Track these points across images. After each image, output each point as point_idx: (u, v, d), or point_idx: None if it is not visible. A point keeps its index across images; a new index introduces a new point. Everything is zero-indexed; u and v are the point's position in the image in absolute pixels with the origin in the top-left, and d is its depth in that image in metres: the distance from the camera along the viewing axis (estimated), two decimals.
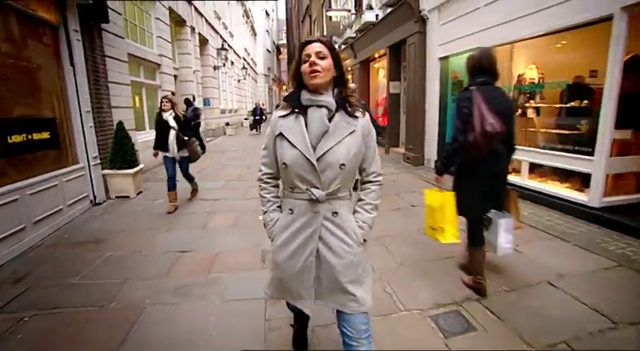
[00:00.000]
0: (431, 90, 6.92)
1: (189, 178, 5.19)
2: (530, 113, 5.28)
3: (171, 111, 4.58)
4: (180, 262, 3.19)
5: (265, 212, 1.53)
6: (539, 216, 4.03)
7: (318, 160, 1.31)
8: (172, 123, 4.54)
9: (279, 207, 1.53)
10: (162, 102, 4.64)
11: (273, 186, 1.54)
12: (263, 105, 18.53)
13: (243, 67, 22.86)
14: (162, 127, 4.57)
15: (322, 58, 1.33)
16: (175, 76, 10.26)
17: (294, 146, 1.33)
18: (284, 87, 43.51)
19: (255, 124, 17.48)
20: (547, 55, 5.00)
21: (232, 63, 19.35)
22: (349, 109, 1.38)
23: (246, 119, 20.80)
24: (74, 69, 4.62)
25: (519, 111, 5.31)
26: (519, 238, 3.42)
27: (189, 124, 4.90)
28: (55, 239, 3.78)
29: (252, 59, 28.99)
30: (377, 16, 9.20)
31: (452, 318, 2.23)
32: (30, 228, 3.58)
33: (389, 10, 8.30)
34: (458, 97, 2.42)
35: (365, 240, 1.46)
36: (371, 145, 1.45)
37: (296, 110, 1.38)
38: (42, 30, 4.16)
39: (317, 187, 1.34)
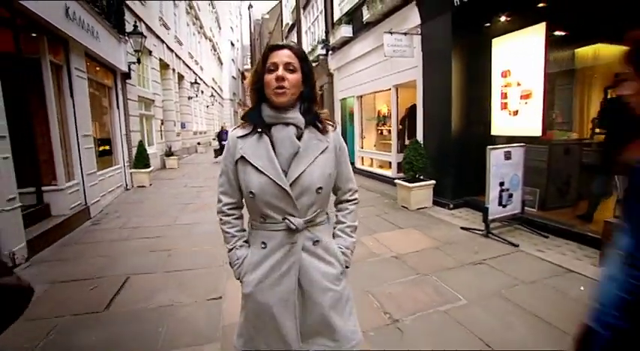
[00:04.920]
0: (337, 119, 10.87)
1: None
2: (385, 133, 9.27)
3: None
4: (187, 207, 6.62)
5: (230, 250, 1.30)
6: (374, 185, 7.88)
7: (291, 185, 1.15)
8: None
9: (246, 241, 1.31)
10: None
11: (237, 218, 1.33)
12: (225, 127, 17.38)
13: (212, 95, 26.36)
14: None
15: (291, 71, 1.16)
16: (161, 107, 13.61)
17: (261, 172, 1.15)
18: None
19: (222, 150, 15.42)
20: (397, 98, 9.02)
21: (202, 92, 22.77)
22: (319, 124, 1.23)
23: (214, 139, 24.10)
24: (118, 110, 8.02)
25: (379, 131, 9.31)
26: None
27: None
28: (117, 201, 7.10)
29: (219, 87, 32.54)
30: None
31: None
32: (106, 195, 6.88)
33: (316, 63, 12.32)
34: None
35: (347, 266, 1.33)
36: (343, 160, 1.31)
37: (258, 130, 1.19)
38: (105, 90, 7.59)
39: (293, 215, 1.18)
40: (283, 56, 1.16)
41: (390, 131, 9.05)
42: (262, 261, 1.23)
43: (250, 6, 47.10)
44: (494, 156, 3.99)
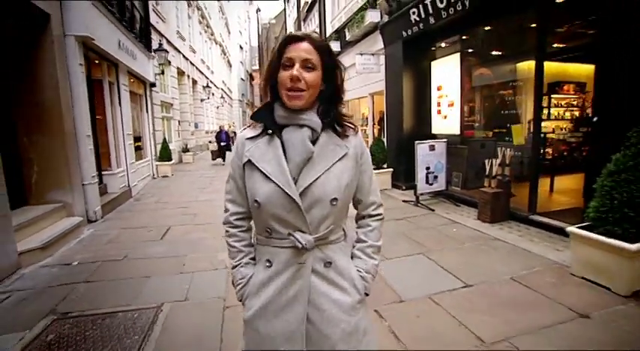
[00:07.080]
0: None
1: None
2: (368, 132, 10.94)
3: None
4: (204, 190, 8.40)
5: (235, 266, 1.17)
6: None
7: (301, 194, 1.00)
8: None
9: (253, 259, 1.17)
10: None
11: (245, 230, 1.19)
12: (230, 127, 17.31)
13: (222, 96, 28.31)
14: None
15: (310, 70, 1.01)
16: (179, 109, 15.49)
17: (269, 178, 1.01)
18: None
19: (220, 152, 13.98)
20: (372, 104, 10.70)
21: (213, 94, 24.67)
22: (339, 128, 1.09)
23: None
24: (147, 113, 9.87)
25: (363, 131, 10.99)
26: None
27: None
28: (149, 187, 8.93)
29: (228, 88, 34.49)
30: None
31: None
32: (140, 181, 8.70)
33: None
34: None
35: (367, 293, 1.14)
36: (366, 168, 1.14)
37: (269, 131, 1.06)
38: (138, 98, 9.43)
39: (302, 231, 1.03)
40: (301, 51, 1.01)
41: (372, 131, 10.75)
42: (267, 283, 1.08)
43: (258, 9, 49.13)
44: (421, 148, 5.67)
